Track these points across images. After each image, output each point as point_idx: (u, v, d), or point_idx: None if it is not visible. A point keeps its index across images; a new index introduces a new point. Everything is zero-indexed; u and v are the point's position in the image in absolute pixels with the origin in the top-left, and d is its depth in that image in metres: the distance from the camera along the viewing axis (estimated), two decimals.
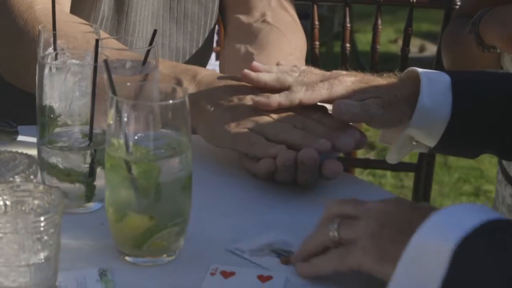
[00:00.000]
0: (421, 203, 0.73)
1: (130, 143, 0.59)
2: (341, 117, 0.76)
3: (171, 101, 0.60)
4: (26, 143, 0.82)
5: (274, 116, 0.78)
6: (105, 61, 0.59)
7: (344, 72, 0.83)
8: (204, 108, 0.81)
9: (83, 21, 0.91)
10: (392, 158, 0.87)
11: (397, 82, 0.82)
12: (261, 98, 0.78)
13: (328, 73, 0.82)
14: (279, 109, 0.79)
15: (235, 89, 0.82)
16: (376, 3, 1.50)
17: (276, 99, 0.77)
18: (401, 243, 0.52)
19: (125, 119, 0.58)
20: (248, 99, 0.80)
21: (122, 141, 0.59)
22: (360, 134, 0.78)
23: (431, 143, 0.82)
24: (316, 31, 1.52)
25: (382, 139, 0.89)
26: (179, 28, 1.11)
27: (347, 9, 1.51)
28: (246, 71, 0.81)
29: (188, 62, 1.13)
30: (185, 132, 0.61)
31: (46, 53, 0.73)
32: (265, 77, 0.80)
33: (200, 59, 1.16)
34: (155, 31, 0.75)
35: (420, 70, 0.80)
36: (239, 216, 0.72)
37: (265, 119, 0.78)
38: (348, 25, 1.51)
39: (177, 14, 1.10)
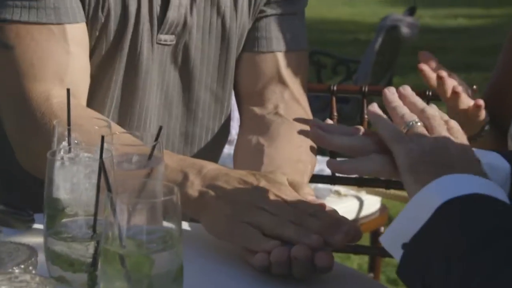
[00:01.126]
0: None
1: (124, 236, 0.63)
2: None
3: (162, 199, 0.65)
4: (41, 230, 0.87)
5: (272, 210, 0.82)
6: (101, 161, 0.64)
7: None
8: (208, 201, 0.86)
9: (98, 115, 0.98)
10: None
11: None
12: None
13: None
14: (277, 203, 0.82)
15: (237, 184, 0.87)
16: None
17: None
18: (434, 175, 0.68)
19: (119, 214, 0.63)
20: (248, 193, 0.84)
21: (116, 234, 0.63)
22: (355, 230, 0.80)
23: None
24: (335, 121, 1.56)
25: None
26: (189, 114, 1.17)
27: (365, 100, 1.56)
28: None
29: (201, 148, 1.19)
30: (176, 227, 0.65)
31: (61, 146, 0.79)
32: None
33: (212, 145, 1.21)
34: (160, 128, 0.80)
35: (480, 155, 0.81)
36: None
37: (263, 214, 0.82)
38: (366, 116, 1.55)
39: (188, 100, 1.16)
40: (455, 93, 1.14)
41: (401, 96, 0.82)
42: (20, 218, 0.88)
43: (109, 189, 0.64)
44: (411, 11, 4.71)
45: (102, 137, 0.74)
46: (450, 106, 1.18)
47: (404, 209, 0.70)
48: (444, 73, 1.14)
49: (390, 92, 0.82)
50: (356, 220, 2.25)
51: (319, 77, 4.75)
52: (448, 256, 0.63)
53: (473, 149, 0.81)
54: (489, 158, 0.83)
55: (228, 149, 1.32)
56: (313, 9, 6.32)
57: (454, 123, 0.79)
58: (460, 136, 0.77)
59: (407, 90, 0.83)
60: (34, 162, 1.01)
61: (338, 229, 0.79)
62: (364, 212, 2.36)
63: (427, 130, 0.76)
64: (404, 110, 0.78)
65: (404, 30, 4.24)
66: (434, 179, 0.69)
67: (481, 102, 1.17)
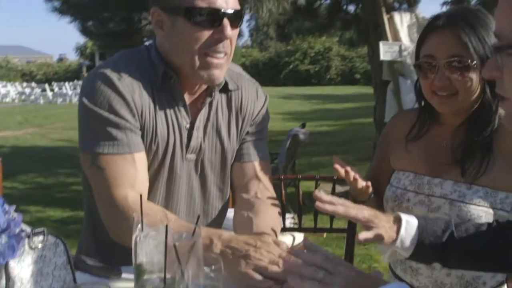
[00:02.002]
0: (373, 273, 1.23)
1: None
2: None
3: (213, 267, 1.10)
4: (126, 279, 1.29)
5: (267, 259, 1.33)
6: (166, 241, 1.09)
7: None
8: (227, 256, 1.34)
9: (157, 206, 1.56)
10: (385, 259, 1.49)
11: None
12: None
13: None
14: (269, 256, 1.34)
15: (244, 245, 1.37)
16: None
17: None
18: None
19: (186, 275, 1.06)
20: (251, 251, 1.35)
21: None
22: None
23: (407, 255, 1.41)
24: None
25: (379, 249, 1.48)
26: (205, 200, 1.76)
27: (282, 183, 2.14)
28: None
29: (213, 218, 1.79)
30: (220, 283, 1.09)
31: (137, 228, 1.22)
32: None
33: (219, 216, 1.82)
34: (198, 216, 1.26)
35: (402, 215, 1.40)
36: None
37: (261, 262, 1.32)
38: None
39: (204, 192, 1.75)
40: (355, 179, 1.75)
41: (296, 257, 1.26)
42: (111, 271, 1.27)
43: (179, 262, 1.07)
44: (303, 125, 7.41)
45: (166, 226, 1.19)
46: (352, 185, 1.78)
47: None
48: (348, 168, 1.73)
49: (291, 277, 1.19)
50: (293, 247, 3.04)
51: None
52: None
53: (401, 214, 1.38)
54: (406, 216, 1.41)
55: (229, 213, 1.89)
56: None
57: (332, 254, 1.24)
58: (340, 261, 1.21)
59: (295, 253, 1.30)
60: (121, 238, 1.50)
61: None
62: (296, 242, 3.22)
63: (328, 271, 1.14)
64: (308, 269, 1.17)
65: (301, 136, 6.69)
66: None
67: (369, 183, 1.78)
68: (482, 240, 1.38)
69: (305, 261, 1.20)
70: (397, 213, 1.42)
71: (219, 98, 1.72)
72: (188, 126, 1.65)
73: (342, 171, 1.71)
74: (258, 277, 1.29)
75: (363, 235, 1.34)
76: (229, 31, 1.53)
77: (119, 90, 1.53)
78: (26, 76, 44.18)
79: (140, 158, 1.56)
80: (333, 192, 2.34)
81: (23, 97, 28.27)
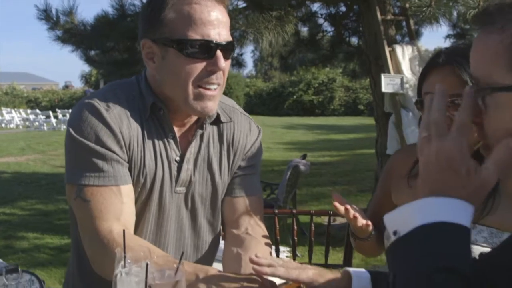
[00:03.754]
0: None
1: None
2: None
3: None
4: None
5: None
6: (146, 280, 1.05)
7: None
8: None
9: (143, 241, 1.49)
10: None
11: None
12: None
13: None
14: None
15: (230, 283, 1.34)
16: None
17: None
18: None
19: None
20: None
21: None
22: None
23: None
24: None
25: None
26: (195, 234, 1.71)
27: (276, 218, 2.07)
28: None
29: (203, 253, 1.74)
30: None
31: (120, 264, 1.18)
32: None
33: (210, 251, 1.77)
34: (182, 253, 1.22)
35: (351, 270, 1.33)
36: None
37: None
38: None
39: (195, 226, 1.70)
40: (354, 217, 1.71)
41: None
42: None
43: None
44: (304, 156, 7.28)
45: (147, 264, 1.15)
46: (352, 223, 1.74)
47: (408, 204, 0.88)
48: (348, 206, 1.69)
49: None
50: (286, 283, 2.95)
51: None
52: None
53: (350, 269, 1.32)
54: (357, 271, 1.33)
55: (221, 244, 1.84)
56: None
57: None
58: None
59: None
60: (104, 271, 1.45)
61: None
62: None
63: None
64: None
65: (302, 167, 6.48)
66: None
67: (369, 222, 1.75)
68: None
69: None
70: (346, 268, 1.39)
71: (210, 131, 1.69)
72: (177, 158, 1.62)
73: (341, 208, 1.68)
74: None
75: None
76: (223, 62, 1.51)
77: (107, 121, 1.51)
78: (32, 103, 44.45)
79: (127, 191, 1.52)
80: (328, 225, 2.30)
81: (27, 123, 28.41)
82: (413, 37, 6.45)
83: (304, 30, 9.09)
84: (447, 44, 9.89)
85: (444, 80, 1.62)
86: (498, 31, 0.88)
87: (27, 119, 28.96)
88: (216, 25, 1.50)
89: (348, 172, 11.72)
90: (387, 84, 5.88)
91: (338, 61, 10.10)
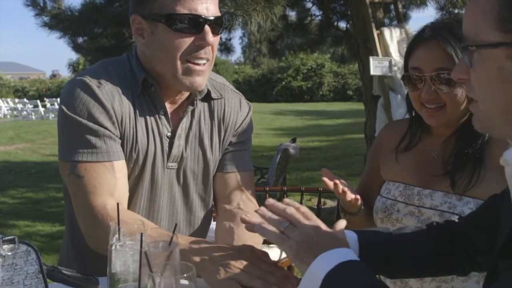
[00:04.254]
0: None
1: None
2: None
3: (186, 275, 1.05)
4: None
5: (246, 270, 1.29)
6: (141, 249, 1.07)
7: None
8: (205, 265, 1.32)
9: (136, 215, 1.51)
10: None
11: None
12: None
13: None
14: (248, 265, 1.30)
15: (223, 253, 1.34)
16: None
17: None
18: (313, 256, 1.03)
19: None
20: (230, 260, 1.31)
21: None
22: (296, 280, 1.28)
23: None
24: None
25: None
26: (188, 209, 1.73)
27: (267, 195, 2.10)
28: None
29: (196, 228, 1.76)
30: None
31: (114, 237, 1.19)
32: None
33: (203, 227, 1.80)
34: (176, 224, 1.24)
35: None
36: None
37: (240, 272, 1.28)
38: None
39: (187, 201, 1.72)
40: (343, 192, 1.71)
41: (269, 207, 1.24)
42: (89, 281, 1.24)
43: (151, 270, 1.04)
44: (294, 140, 7.46)
45: (141, 234, 1.17)
46: (341, 198, 1.75)
47: (300, 283, 1.04)
48: (337, 181, 1.70)
49: (261, 210, 1.24)
50: (279, 260, 3.27)
51: None
52: None
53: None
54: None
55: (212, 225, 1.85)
56: None
57: (303, 208, 1.23)
58: (310, 215, 1.20)
59: (270, 201, 1.26)
60: (98, 246, 1.47)
61: (287, 281, 1.27)
62: (283, 256, 3.36)
63: (292, 223, 1.15)
64: (275, 219, 1.19)
65: (291, 151, 6.66)
66: (313, 260, 1.03)
67: (358, 196, 1.75)
68: (424, 244, 1.35)
69: (275, 212, 1.22)
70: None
71: (201, 108, 1.71)
72: (169, 134, 1.63)
73: (330, 183, 1.70)
74: (237, 286, 1.26)
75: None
76: (211, 37, 1.53)
77: (99, 97, 1.52)
78: (19, 92, 44.08)
79: (120, 166, 1.54)
80: (319, 205, 2.34)
81: (15, 112, 28.17)
82: (401, 19, 6.47)
83: (292, 15, 9.08)
84: None
85: (430, 54, 1.65)
86: None
87: (15, 109, 28.71)
88: (204, 0, 1.52)
89: (337, 156, 11.79)
90: (376, 67, 5.91)
91: (327, 46, 10.10)
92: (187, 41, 1.52)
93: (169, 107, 1.65)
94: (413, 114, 1.82)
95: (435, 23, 1.71)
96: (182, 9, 1.49)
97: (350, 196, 1.74)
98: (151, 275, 1.03)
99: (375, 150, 1.97)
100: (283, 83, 34.32)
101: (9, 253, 1.10)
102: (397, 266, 1.32)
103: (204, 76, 1.58)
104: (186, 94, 1.66)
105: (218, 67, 33.48)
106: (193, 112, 1.68)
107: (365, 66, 6.32)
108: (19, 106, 28.26)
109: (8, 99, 32.98)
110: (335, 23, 8.81)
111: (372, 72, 5.92)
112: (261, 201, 1.78)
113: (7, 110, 29.35)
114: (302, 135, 14.96)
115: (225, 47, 8.27)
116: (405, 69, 1.74)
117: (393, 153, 1.86)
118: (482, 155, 1.67)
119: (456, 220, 1.40)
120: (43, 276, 1.16)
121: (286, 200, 1.28)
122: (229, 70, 35.44)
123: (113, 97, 1.55)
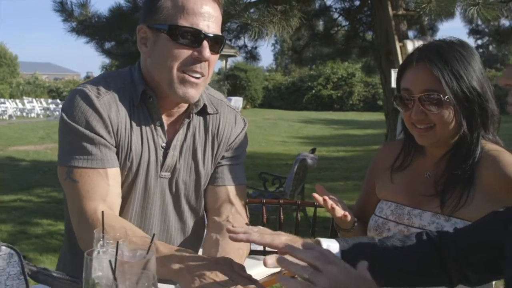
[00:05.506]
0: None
1: None
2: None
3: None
4: None
5: (221, 283, 1.34)
6: (115, 259, 1.11)
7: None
8: (184, 275, 1.38)
9: (125, 222, 1.56)
10: None
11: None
12: None
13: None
14: (225, 279, 1.35)
15: (200, 264, 1.39)
16: None
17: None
18: None
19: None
20: (206, 271, 1.36)
21: None
22: None
23: None
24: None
25: None
26: (180, 218, 1.79)
27: (281, 208, 2.13)
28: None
29: (189, 236, 1.82)
30: None
31: (99, 243, 1.25)
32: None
33: (196, 235, 1.86)
34: (153, 235, 1.29)
35: (322, 240, 1.38)
36: None
37: (212, 282, 1.34)
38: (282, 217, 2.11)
39: (178, 210, 1.78)
40: (332, 208, 1.75)
41: (288, 253, 1.17)
42: (74, 283, 1.30)
43: (114, 278, 1.10)
44: (313, 150, 7.41)
45: (117, 242, 1.22)
46: (331, 214, 1.79)
47: None
48: (326, 197, 1.74)
49: (281, 258, 1.14)
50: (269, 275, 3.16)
51: (265, 186, 7.23)
52: None
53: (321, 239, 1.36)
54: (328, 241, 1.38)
55: None
56: (264, 147, 14.79)
57: (324, 250, 1.17)
58: (331, 258, 1.11)
59: (286, 248, 1.18)
60: (87, 248, 1.49)
61: None
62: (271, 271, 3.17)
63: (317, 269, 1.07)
64: (296, 265, 1.10)
65: (309, 161, 6.79)
66: None
67: (347, 213, 1.78)
68: (412, 254, 1.37)
69: (297, 257, 1.14)
70: (317, 238, 1.43)
71: (197, 121, 1.77)
72: (164, 145, 1.70)
73: (320, 199, 1.73)
74: None
75: (271, 258, 1.24)
76: (208, 53, 1.60)
77: (96, 107, 1.60)
78: (53, 93, 44.94)
79: (113, 173, 1.61)
80: (315, 218, 2.37)
81: (47, 112, 28.78)
82: (424, 32, 6.45)
83: (320, 24, 9.11)
84: (471, 41, 9.84)
85: (417, 75, 1.67)
86: None
87: (48, 109, 29.34)
88: (207, 17, 1.60)
89: (361, 167, 11.69)
90: None
91: (353, 56, 10.10)
92: (186, 53, 1.59)
93: (166, 119, 1.72)
94: (407, 135, 1.84)
95: (424, 45, 1.74)
96: (184, 23, 1.58)
97: (340, 212, 1.77)
98: (114, 283, 1.08)
99: (371, 169, 2.00)
100: (313, 91, 34.23)
101: None
102: (383, 275, 1.35)
103: (198, 89, 1.65)
104: (183, 108, 1.73)
105: (248, 74, 33.55)
106: (189, 125, 1.75)
107: (387, 78, 6.31)
108: (52, 106, 28.86)
109: (42, 99, 33.70)
110: (361, 34, 8.82)
111: (393, 85, 5.91)
112: (276, 216, 1.81)
113: (40, 110, 30.00)
114: (328, 144, 14.93)
115: (251, 55, 8.35)
116: (398, 89, 1.76)
117: (388, 172, 1.88)
118: (472, 176, 1.68)
119: (451, 231, 1.42)
120: (24, 278, 1.22)
121: (259, 226, 1.33)
122: (259, 77, 35.43)
123: (110, 107, 1.62)
